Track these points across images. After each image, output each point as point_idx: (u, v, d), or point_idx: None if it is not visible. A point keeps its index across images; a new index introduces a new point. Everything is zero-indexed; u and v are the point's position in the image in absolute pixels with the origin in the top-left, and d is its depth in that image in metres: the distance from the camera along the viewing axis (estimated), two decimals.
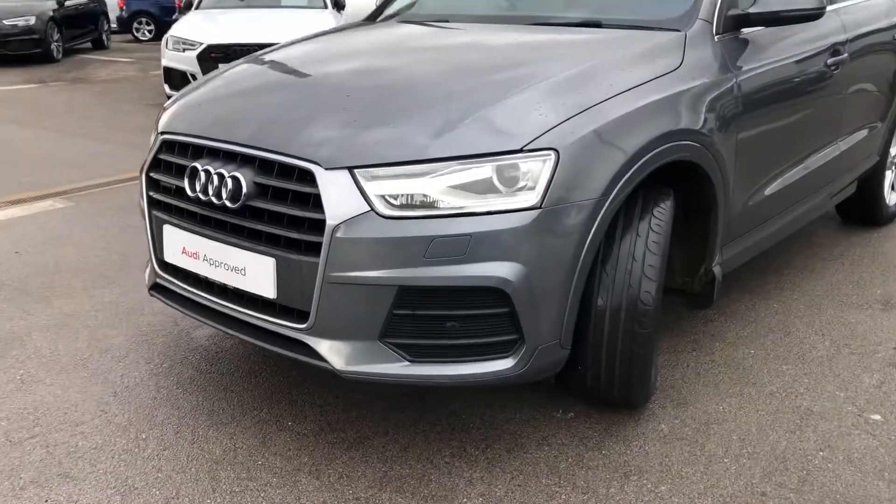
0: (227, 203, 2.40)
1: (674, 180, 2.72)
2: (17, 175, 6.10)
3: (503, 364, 2.31)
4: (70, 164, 6.43)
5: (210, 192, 2.45)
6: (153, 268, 2.81)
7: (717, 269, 2.98)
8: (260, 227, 2.37)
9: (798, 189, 3.49)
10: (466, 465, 2.46)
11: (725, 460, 2.47)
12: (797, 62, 3.31)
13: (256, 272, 2.40)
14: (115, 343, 3.27)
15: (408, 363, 2.30)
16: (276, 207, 2.33)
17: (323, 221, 2.23)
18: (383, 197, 2.23)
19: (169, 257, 2.69)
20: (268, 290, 2.38)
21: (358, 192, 2.23)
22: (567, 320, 2.35)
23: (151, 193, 2.75)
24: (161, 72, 8.99)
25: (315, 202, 2.26)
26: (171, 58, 8.80)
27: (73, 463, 2.48)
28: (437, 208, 2.21)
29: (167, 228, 2.67)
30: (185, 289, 2.68)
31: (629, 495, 2.31)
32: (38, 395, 2.88)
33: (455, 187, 2.23)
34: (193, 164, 2.52)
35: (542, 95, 2.39)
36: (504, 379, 2.32)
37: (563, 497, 2.31)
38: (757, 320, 3.43)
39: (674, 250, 2.99)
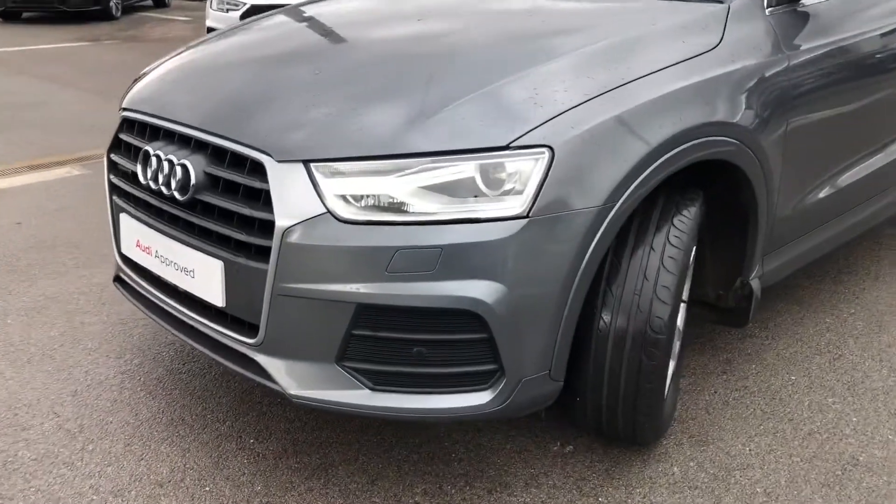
0: (176, 194, 2.10)
1: (706, 177, 2.31)
2: (42, 138, 5.95)
3: (479, 398, 1.96)
4: (99, 128, 6.23)
5: (160, 181, 2.15)
6: (115, 258, 2.54)
7: (755, 283, 2.56)
8: (209, 224, 2.05)
9: (862, 190, 3.02)
10: None
11: None
12: (868, 40, 2.82)
13: (205, 275, 2.09)
14: (90, 332, 3.03)
15: (368, 392, 1.97)
16: (225, 203, 2.01)
17: (273, 223, 1.90)
18: (343, 197, 1.89)
19: (125, 249, 2.41)
20: (216, 296, 2.08)
21: (313, 190, 1.89)
22: (559, 349, 1.98)
23: (111, 177, 2.47)
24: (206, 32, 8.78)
25: (266, 199, 1.93)
26: (215, 18, 8.59)
27: (6, 477, 2.23)
28: (403, 213, 1.86)
29: (123, 218, 2.38)
30: (140, 285, 2.40)
31: None
32: None
33: (428, 188, 1.87)
34: (146, 148, 2.21)
35: (541, 79, 2.00)
36: (480, 415, 1.98)
37: None
38: (804, 338, 2.99)
39: (706, 259, 2.60)
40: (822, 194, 2.74)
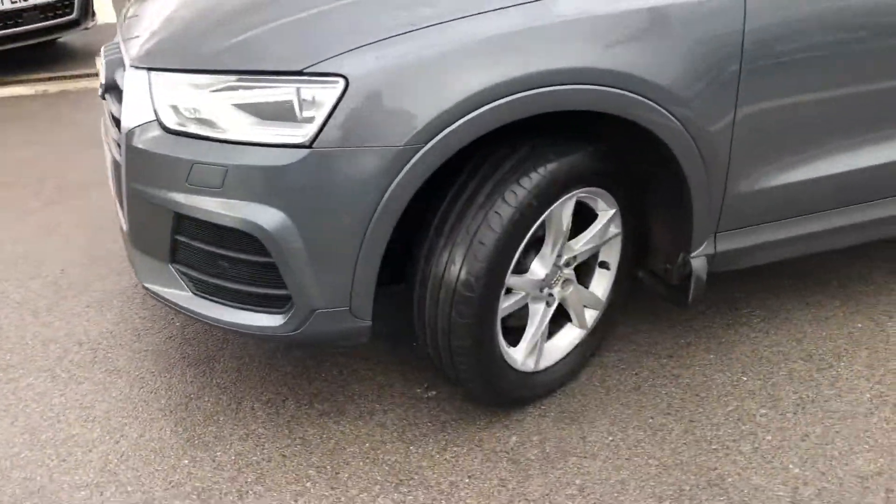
0: (99, 91, 2.35)
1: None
2: None
3: (272, 321, 2.00)
4: None
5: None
6: None
7: (697, 262, 2.24)
8: (105, 121, 2.29)
9: (865, 186, 2.37)
10: (266, 416, 2.23)
11: None
12: None
13: (108, 166, 2.34)
14: None
15: (191, 295, 2.10)
16: (110, 104, 2.22)
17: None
18: (175, 108, 1.99)
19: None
20: (112, 186, 2.31)
21: (149, 97, 2.02)
22: (357, 288, 1.94)
23: None
24: None
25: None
26: None
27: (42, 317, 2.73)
28: (210, 129, 1.93)
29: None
30: None
31: None
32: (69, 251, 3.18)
33: (238, 107, 1.90)
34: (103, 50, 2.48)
35: (359, 8, 1.90)
36: (274, 337, 2.02)
37: (302, 488, 1.99)
38: (804, 339, 2.52)
39: (653, 227, 2.32)
40: (801, 178, 2.23)
